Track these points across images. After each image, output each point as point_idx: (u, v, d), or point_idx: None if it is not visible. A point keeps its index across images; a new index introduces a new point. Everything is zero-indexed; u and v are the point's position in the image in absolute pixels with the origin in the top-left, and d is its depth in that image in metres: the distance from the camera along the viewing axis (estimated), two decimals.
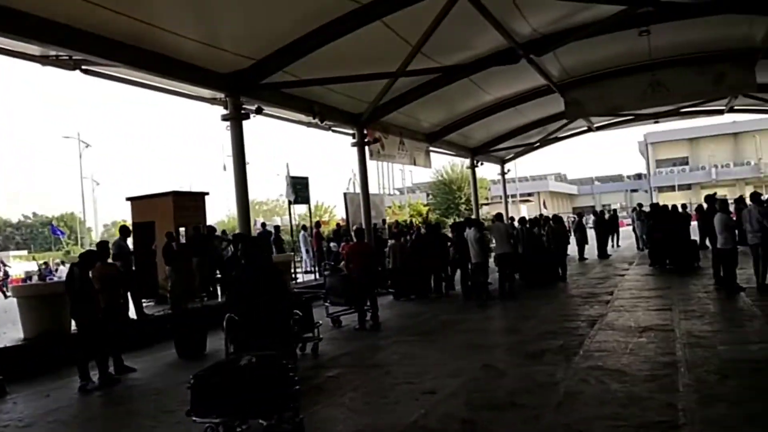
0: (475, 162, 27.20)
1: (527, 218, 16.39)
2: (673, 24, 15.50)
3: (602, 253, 21.67)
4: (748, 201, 12.84)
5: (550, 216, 18.36)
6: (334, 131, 17.70)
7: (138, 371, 8.40)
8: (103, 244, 8.85)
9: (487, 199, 48.62)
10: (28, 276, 30.32)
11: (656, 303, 10.85)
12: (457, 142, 24.50)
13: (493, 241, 14.21)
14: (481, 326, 10.34)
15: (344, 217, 25.66)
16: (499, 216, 14.50)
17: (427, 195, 62.72)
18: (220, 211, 60.90)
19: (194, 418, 4.50)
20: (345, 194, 22.58)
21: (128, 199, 14.53)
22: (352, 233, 17.73)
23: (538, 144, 28.75)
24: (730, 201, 19.90)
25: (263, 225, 22.60)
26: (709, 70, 19.24)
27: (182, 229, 13.87)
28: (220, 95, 12.84)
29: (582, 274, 16.81)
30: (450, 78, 16.82)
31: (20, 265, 38.24)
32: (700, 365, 6.39)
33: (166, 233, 12.95)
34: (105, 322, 7.79)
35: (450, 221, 31.36)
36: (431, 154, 22.57)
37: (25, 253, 52.55)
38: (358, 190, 22.28)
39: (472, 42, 15.01)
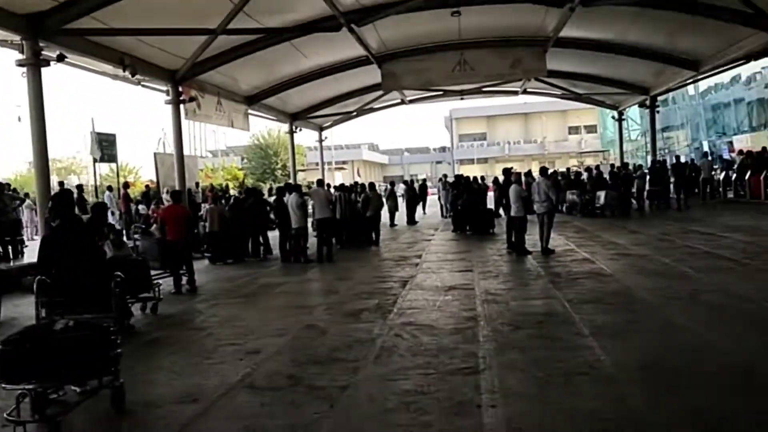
0: (293, 128, 27.16)
1: (346, 185, 16.86)
2: (481, 8, 16.78)
3: (411, 220, 23.08)
4: (536, 174, 14.49)
5: (366, 184, 19.05)
6: (144, 86, 16.58)
7: None
8: None
9: (303, 165, 48.87)
10: None
11: (459, 265, 11.91)
12: (276, 106, 24.25)
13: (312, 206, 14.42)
14: (301, 288, 10.59)
15: (153, 178, 24.30)
16: (320, 182, 14.76)
17: (242, 159, 61.20)
18: (16, 167, 54.14)
19: (3, 385, 4.14)
20: (155, 154, 21.35)
21: None
22: (165, 196, 16.95)
23: (355, 113, 29.47)
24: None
25: (60, 184, 20.53)
26: (508, 53, 21.11)
27: None
28: (16, 38, 11.40)
29: (393, 239, 17.79)
30: (271, 40, 16.59)
31: None
32: (496, 318, 7.22)
33: None
34: None
35: (267, 186, 31.08)
36: (250, 117, 22.11)
37: None
38: (170, 150, 21.22)
39: (295, 6, 14.92)
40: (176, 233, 10.31)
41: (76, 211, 14.94)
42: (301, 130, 28.30)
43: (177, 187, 16.21)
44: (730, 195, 22.69)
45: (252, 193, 15.45)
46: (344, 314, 8.01)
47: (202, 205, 17.52)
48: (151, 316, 8.42)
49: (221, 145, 66.69)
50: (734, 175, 22.76)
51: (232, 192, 23.35)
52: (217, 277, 12.13)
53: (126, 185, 19.17)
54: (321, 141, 31.81)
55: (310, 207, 14.72)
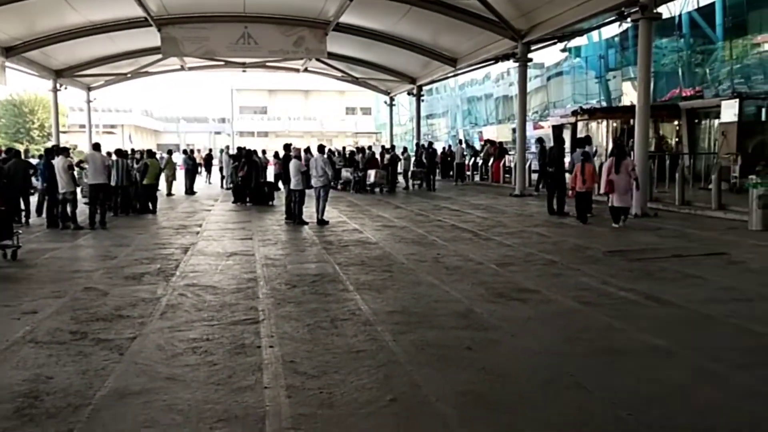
0: (57, 85, 24.92)
1: (124, 151, 16.21)
2: None
3: (190, 190, 22.82)
4: (314, 151, 15.49)
5: (143, 151, 18.47)
6: None
7: None
8: None
9: (65, 126, 44.56)
10: None
11: (239, 234, 12.45)
12: (39, 61, 22.15)
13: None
14: (74, 254, 10.28)
15: None
16: (96, 145, 14.08)
17: None
18: None
19: None
20: None
21: None
22: None
23: (129, 75, 27.96)
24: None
25: None
26: (292, 32, 21.92)
27: None
28: None
29: (172, 208, 17.61)
30: None
31: None
32: (274, 279, 8.00)
33: None
34: None
35: (23, 147, 28.07)
36: (8, 71, 19.90)
37: None
38: None
39: None
40: None
41: None
42: (66, 88, 26.10)
43: None
44: (477, 178, 26.20)
45: (13, 153, 14.18)
46: (125, 278, 8.16)
47: None
48: None
49: None
50: (480, 161, 26.30)
51: None
52: None
53: None
54: (89, 102, 29.60)
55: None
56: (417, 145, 27.68)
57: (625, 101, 24.92)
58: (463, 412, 3.94)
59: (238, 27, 21.23)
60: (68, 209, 12.87)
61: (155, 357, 5.00)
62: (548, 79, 32.03)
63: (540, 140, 18.36)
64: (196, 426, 3.73)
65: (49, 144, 30.05)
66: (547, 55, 45.32)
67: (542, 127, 29.94)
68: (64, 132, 38.51)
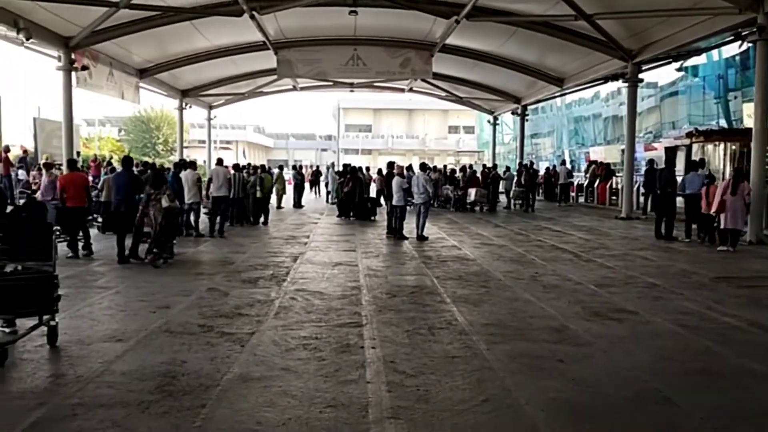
0: (183, 104, 27.10)
1: (242, 165, 17.47)
2: (376, 10, 18.06)
3: (298, 204, 24.02)
4: (416, 169, 16.00)
5: (257, 166, 19.75)
6: (27, 48, 16.22)
7: None
8: None
9: (186, 141, 47.98)
10: None
11: (344, 246, 13.11)
12: (167, 81, 24.23)
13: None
14: (197, 258, 11.31)
15: (24, 143, 23.43)
16: (219, 161, 15.34)
17: (119, 130, 58.71)
18: None
19: None
20: (35, 119, 20.75)
21: None
22: (43, 161, 16.72)
23: (246, 95, 29.84)
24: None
25: None
26: (399, 54, 22.64)
27: None
28: None
29: (281, 220, 18.69)
30: (172, 17, 16.88)
31: None
32: (376, 288, 8.49)
33: None
34: None
35: (151, 160, 30.59)
36: (141, 90, 21.98)
37: None
38: (46, 116, 20.72)
39: None
40: (75, 200, 10.65)
41: None
42: (190, 107, 28.30)
43: (65, 155, 16.16)
44: (582, 200, 25.71)
45: (149, 166, 15.69)
46: (242, 281, 8.94)
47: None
48: None
49: (96, 113, 63.43)
50: (585, 182, 25.79)
51: (115, 164, 23.04)
52: (110, 244, 12.40)
53: (7, 149, 18.53)
54: (210, 119, 31.84)
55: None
56: (519, 164, 27.59)
57: (748, 123, 23.63)
58: (551, 415, 4.18)
59: (348, 49, 22.25)
60: (191, 218, 14.08)
61: (271, 350, 5.58)
62: (662, 98, 30.83)
63: (650, 162, 17.87)
64: (308, 409, 4.21)
65: (173, 158, 32.61)
66: (662, 75, 43.52)
67: (654, 149, 28.84)
68: (185, 147, 41.52)
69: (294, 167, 29.92)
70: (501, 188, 24.41)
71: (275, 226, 16.79)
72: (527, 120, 32.57)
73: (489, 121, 34.78)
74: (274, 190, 20.59)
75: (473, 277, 9.48)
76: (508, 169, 27.64)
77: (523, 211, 22.66)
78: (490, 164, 29.52)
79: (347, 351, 5.55)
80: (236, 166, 16.52)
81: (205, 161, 31.34)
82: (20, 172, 18.72)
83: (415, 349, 5.63)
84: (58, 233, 5.95)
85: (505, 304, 7.60)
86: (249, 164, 20.64)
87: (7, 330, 5.44)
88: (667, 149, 23.49)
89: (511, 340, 5.96)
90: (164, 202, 10.19)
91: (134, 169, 11.80)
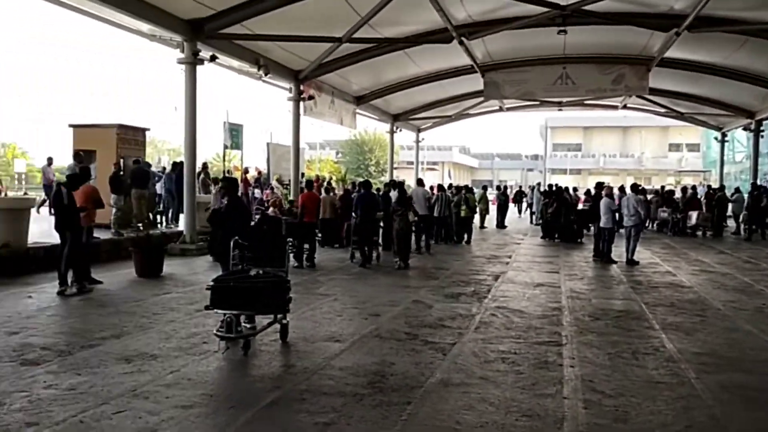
0: (394, 128, 28.77)
1: (445, 186, 18.20)
2: (587, 28, 17.64)
3: (501, 224, 24.12)
4: (627, 190, 15.28)
5: (462, 186, 20.31)
6: (265, 82, 18.45)
7: (104, 284, 9.39)
8: (86, 169, 9.66)
9: (396, 163, 50.66)
10: None
11: (546, 267, 12.99)
12: (380, 107, 25.95)
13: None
14: (403, 272, 12.03)
15: (257, 165, 26.57)
16: (419, 181, 16.20)
17: (337, 153, 63.71)
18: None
19: (215, 311, 5.80)
20: (268, 144, 23.52)
21: (71, 126, 14.87)
22: (274, 182, 18.87)
23: (453, 117, 30.74)
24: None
25: (204, 165, 22.64)
26: (611, 70, 21.76)
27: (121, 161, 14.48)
28: (161, 32, 13.31)
29: (484, 240, 18.99)
30: (387, 48, 18.17)
31: None
32: (578, 310, 8.37)
33: (115, 163, 13.60)
34: (87, 236, 8.74)
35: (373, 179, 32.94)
36: (357, 115, 23.87)
37: None
38: (276, 140, 23.36)
39: (413, 18, 16.39)
40: (310, 216, 12.11)
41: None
42: (401, 130, 29.91)
43: (292, 176, 18.19)
44: None
45: (366, 185, 17.02)
46: (445, 295, 9.38)
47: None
48: None
49: (318, 138, 69.60)
50: None
51: (334, 184, 25.18)
52: (330, 257, 13.76)
53: (246, 171, 21.34)
54: (418, 141, 33.29)
55: None
56: (752, 185, 24.73)
57: None
58: None
59: (556, 68, 21.91)
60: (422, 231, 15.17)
61: (471, 360, 5.87)
62: None
63: None
64: (504, 416, 4.42)
65: (384, 179, 34.63)
66: None
67: None
68: (395, 168, 43.88)
69: (498, 188, 30.06)
70: (729, 212, 22.13)
71: (478, 245, 17.12)
72: (762, 136, 29.11)
73: (716, 138, 31.72)
74: (477, 209, 20.95)
75: (688, 304, 8.88)
76: (737, 190, 24.90)
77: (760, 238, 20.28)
78: (716, 185, 26.89)
79: (545, 367, 5.64)
80: (440, 187, 17.19)
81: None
82: (256, 191, 21.35)
83: (615, 372, 5.54)
84: (289, 244, 6.91)
85: (721, 334, 7.06)
86: (451, 184, 21.26)
87: (248, 325, 6.42)
88: None
89: (725, 371, 5.57)
90: (411, 217, 12.46)
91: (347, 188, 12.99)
